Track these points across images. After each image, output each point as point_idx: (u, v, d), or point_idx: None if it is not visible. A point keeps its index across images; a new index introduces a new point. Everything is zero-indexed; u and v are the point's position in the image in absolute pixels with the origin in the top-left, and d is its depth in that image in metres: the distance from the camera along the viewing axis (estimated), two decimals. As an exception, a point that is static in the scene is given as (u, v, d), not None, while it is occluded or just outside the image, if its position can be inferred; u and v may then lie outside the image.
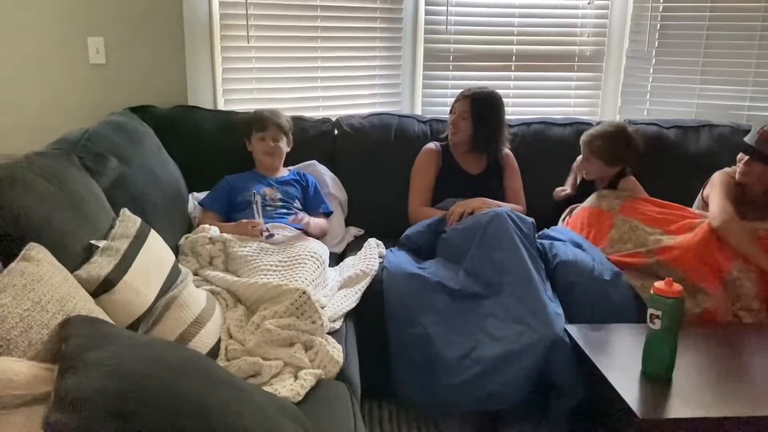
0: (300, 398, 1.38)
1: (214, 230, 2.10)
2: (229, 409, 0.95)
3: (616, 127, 2.49)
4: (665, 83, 3.15)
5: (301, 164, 2.64)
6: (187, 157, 2.46)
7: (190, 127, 2.56)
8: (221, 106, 2.84)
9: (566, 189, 2.68)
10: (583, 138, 2.50)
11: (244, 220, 2.19)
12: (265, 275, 1.84)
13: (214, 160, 2.54)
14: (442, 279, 2.06)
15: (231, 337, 1.60)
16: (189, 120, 2.58)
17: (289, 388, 1.37)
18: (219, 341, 1.57)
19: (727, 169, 2.34)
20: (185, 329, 1.49)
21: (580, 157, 2.57)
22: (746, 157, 2.25)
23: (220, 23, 2.76)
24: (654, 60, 3.13)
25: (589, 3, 3.09)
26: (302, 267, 1.90)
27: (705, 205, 2.34)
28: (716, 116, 2.97)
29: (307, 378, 1.42)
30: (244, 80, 2.89)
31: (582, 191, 2.57)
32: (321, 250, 2.09)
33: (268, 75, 2.92)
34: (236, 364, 1.44)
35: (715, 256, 2.07)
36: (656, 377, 1.57)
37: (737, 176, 2.28)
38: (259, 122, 2.47)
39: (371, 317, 2.01)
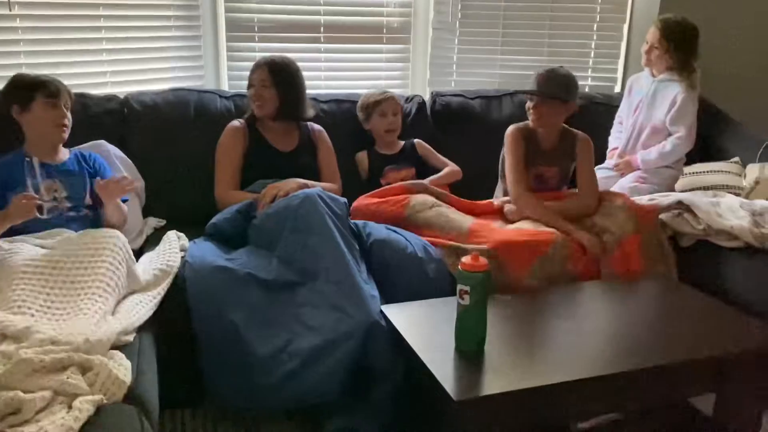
0: (74, 433, 1.16)
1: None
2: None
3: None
4: (470, 54, 3.22)
5: (85, 144, 2.28)
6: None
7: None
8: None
9: None
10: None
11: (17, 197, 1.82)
12: (33, 315, 1.50)
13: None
14: (252, 270, 1.90)
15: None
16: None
17: (59, 423, 1.15)
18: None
19: (517, 124, 2.43)
20: None
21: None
22: (532, 104, 2.34)
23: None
24: (458, 32, 3.17)
25: (392, -27, 3.05)
26: (85, 312, 1.55)
27: None
28: (517, 85, 3.08)
29: (83, 407, 1.20)
30: (9, 54, 2.47)
31: None
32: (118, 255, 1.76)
33: (39, 48, 2.52)
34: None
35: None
36: (469, 353, 1.56)
37: (532, 124, 2.37)
38: (49, 86, 2.04)
39: (176, 320, 1.81)
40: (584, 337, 1.69)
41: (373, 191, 2.38)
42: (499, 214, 2.40)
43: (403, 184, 2.40)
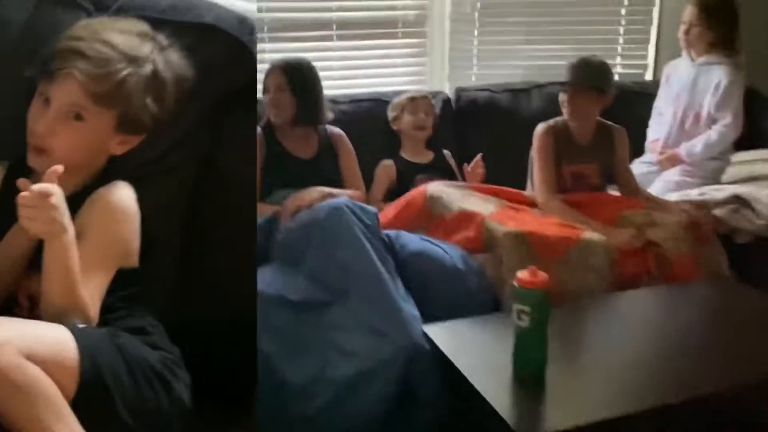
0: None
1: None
2: None
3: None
4: (491, 46, 3.05)
5: None
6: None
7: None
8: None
9: None
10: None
11: None
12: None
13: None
14: (281, 290, 1.74)
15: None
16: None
17: None
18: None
19: (548, 122, 2.28)
20: None
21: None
22: (566, 96, 2.20)
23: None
24: (478, 22, 3.00)
25: (406, -38, 2.89)
26: None
27: None
28: (542, 76, 2.91)
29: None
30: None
31: None
32: None
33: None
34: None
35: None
36: (528, 379, 1.40)
37: (568, 118, 2.22)
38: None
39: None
40: (653, 355, 1.53)
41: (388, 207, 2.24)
42: (527, 205, 2.22)
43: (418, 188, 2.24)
